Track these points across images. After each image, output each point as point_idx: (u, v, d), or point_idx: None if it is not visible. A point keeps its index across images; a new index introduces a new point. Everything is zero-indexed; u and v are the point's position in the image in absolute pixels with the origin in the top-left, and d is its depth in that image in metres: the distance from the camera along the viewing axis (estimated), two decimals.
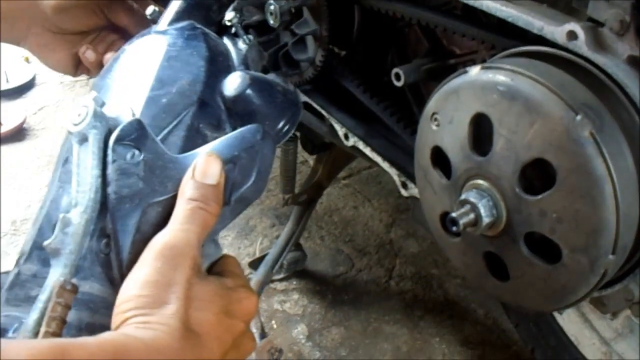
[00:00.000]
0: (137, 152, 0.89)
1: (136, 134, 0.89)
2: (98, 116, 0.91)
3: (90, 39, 1.53)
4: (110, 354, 0.66)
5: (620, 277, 1.11)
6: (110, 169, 0.89)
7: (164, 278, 0.76)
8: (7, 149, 3.22)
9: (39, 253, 0.93)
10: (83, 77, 3.69)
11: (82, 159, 0.91)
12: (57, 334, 0.78)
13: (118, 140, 0.89)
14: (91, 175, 0.89)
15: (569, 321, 1.59)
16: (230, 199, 0.95)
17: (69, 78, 3.79)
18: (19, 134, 3.31)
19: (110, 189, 0.89)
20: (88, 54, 1.50)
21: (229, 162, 0.94)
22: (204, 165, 0.88)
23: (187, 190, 0.86)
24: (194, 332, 0.75)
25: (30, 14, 1.42)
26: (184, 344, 0.72)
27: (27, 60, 3.84)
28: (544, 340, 1.65)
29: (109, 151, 0.89)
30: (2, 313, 0.89)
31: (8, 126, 3.26)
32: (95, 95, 0.93)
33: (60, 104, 3.57)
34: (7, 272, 0.95)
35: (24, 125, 3.35)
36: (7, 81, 3.64)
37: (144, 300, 0.74)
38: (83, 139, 0.91)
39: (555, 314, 1.59)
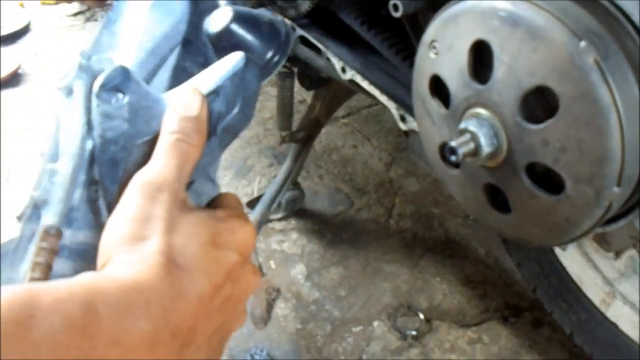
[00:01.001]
0: (120, 95, 0.88)
1: (120, 79, 0.89)
2: (83, 68, 0.91)
3: None
4: (81, 295, 0.62)
5: (624, 213, 1.10)
6: (95, 115, 0.88)
7: (144, 213, 0.74)
8: (3, 94, 3.21)
9: (36, 212, 0.93)
10: (78, 21, 3.70)
11: (69, 110, 0.90)
12: (44, 280, 0.76)
13: (102, 87, 0.88)
14: (77, 124, 0.88)
15: (571, 261, 1.58)
16: (217, 128, 0.93)
17: (64, 22, 3.77)
18: (14, 79, 3.29)
19: (95, 134, 0.88)
20: None
21: (212, 92, 0.92)
22: (184, 99, 0.85)
23: (167, 125, 0.83)
24: (178, 267, 0.71)
25: None
26: (167, 279, 0.68)
27: (21, 5, 3.82)
28: (546, 280, 1.65)
29: (93, 97, 0.88)
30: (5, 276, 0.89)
31: (3, 72, 3.25)
32: (82, 50, 0.93)
33: (55, 49, 3.55)
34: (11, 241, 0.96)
35: (19, 71, 3.34)
36: (1, 27, 3.62)
37: (124, 238, 0.72)
38: (69, 92, 0.90)
39: (558, 253, 1.58)
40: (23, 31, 3.68)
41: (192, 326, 0.70)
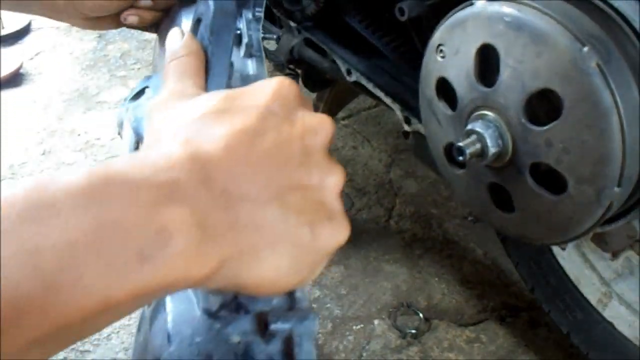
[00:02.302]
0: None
1: (142, 83, 1.01)
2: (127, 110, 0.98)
3: None
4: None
5: (623, 214, 1.13)
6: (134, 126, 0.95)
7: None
8: (4, 94, 3.22)
9: None
10: None
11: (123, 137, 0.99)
12: None
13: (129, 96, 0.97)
14: (127, 143, 0.96)
15: (569, 261, 1.60)
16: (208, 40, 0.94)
17: (64, 23, 3.78)
18: (15, 79, 3.30)
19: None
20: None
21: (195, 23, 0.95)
22: (168, 39, 0.86)
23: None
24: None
25: None
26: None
27: None
28: (544, 279, 1.67)
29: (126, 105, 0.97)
30: None
31: (5, 71, 3.26)
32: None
33: (56, 49, 3.57)
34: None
35: (21, 71, 3.35)
36: (3, 27, 3.63)
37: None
38: (121, 125, 1.01)
39: (556, 253, 1.60)
40: (24, 31, 3.69)
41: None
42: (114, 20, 1.31)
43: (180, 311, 0.71)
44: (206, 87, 0.81)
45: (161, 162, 0.60)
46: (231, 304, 0.70)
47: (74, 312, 0.53)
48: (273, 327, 0.70)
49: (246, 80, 0.91)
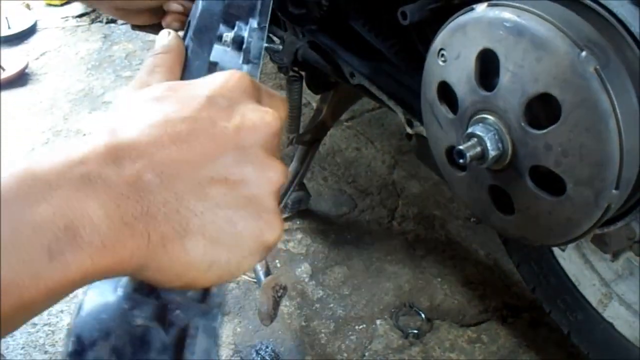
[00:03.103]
0: None
1: None
2: None
3: None
4: None
5: (622, 215, 1.14)
6: None
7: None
8: (9, 93, 3.23)
9: None
10: (84, 22, 3.73)
11: None
12: None
13: None
14: None
15: (570, 262, 1.61)
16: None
17: (70, 24, 3.80)
18: (21, 79, 3.32)
19: None
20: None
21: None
22: (157, 39, 0.87)
23: None
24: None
25: None
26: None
27: (27, 6, 3.85)
28: (545, 280, 1.68)
29: None
30: None
31: (10, 71, 3.28)
32: None
33: (62, 49, 3.58)
34: None
35: (26, 71, 3.36)
36: (9, 27, 3.65)
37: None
38: None
39: (557, 254, 1.61)
40: (29, 32, 3.71)
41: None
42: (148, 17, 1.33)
43: (101, 287, 0.70)
44: None
45: (77, 155, 0.60)
46: (145, 287, 0.70)
47: None
48: (171, 315, 0.70)
49: None
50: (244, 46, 0.99)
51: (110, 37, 3.64)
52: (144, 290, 0.71)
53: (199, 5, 0.97)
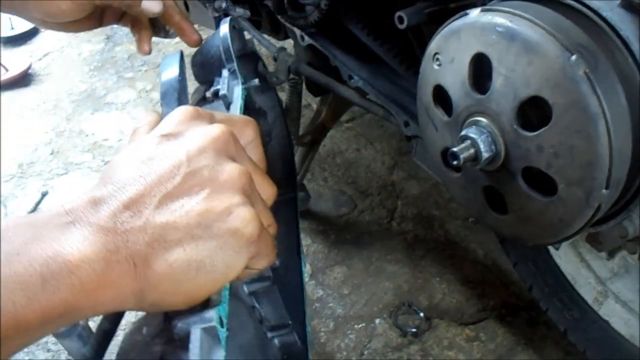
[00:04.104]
0: None
1: None
2: None
3: None
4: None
5: (614, 215, 1.16)
6: None
7: None
8: (13, 94, 3.26)
9: None
10: None
11: None
12: None
13: None
14: None
15: (566, 260, 1.62)
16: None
17: None
18: (24, 79, 3.34)
19: None
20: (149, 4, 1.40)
21: None
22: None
23: None
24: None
25: None
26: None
27: None
28: (542, 278, 1.69)
29: None
30: None
31: (14, 72, 3.30)
32: None
33: (65, 50, 3.60)
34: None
35: (30, 71, 3.38)
36: (12, 28, 3.67)
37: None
38: None
39: (553, 253, 1.62)
40: (33, 32, 3.72)
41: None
42: (86, 23, 1.38)
43: None
44: None
45: (65, 207, 0.70)
46: None
47: None
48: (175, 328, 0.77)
49: None
50: (221, 93, 1.11)
51: (113, 38, 3.65)
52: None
53: (160, 78, 1.07)
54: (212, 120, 0.85)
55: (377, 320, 2.00)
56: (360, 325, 1.99)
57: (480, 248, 2.22)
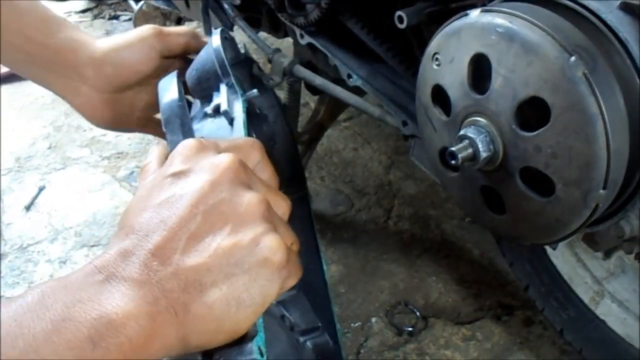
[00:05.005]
0: None
1: None
2: None
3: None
4: None
5: (611, 215, 1.16)
6: None
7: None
8: (13, 87, 3.26)
9: None
10: (86, 18, 3.74)
11: None
12: None
13: None
14: None
15: (562, 260, 1.63)
16: None
17: (72, 19, 3.82)
18: None
19: None
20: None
21: None
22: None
23: None
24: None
25: (73, 65, 1.29)
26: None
27: None
28: (538, 278, 1.69)
29: None
30: None
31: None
32: None
33: None
34: None
35: None
36: None
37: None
38: None
39: (550, 253, 1.63)
40: None
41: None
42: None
43: None
44: None
45: (96, 264, 0.71)
46: None
47: None
48: None
49: None
50: (223, 109, 1.11)
51: (113, 33, 3.66)
52: None
53: (160, 104, 1.08)
54: (217, 149, 0.86)
55: (373, 319, 2.00)
56: (357, 324, 1.99)
57: (476, 248, 2.22)
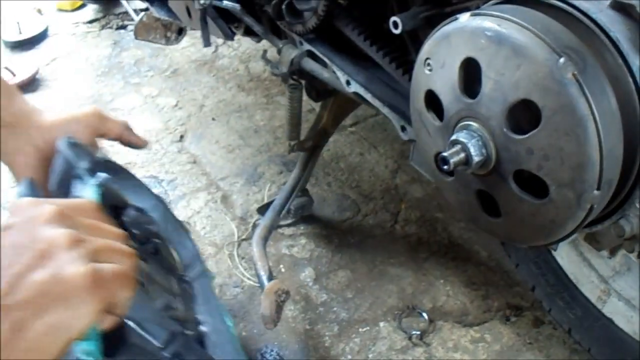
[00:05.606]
0: None
1: None
2: None
3: None
4: None
5: (610, 214, 1.16)
6: None
7: None
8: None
9: None
10: (94, 28, 3.75)
11: None
12: None
13: None
14: None
15: (568, 260, 1.63)
16: None
17: (80, 30, 3.83)
18: (32, 84, 3.35)
19: None
20: None
21: None
22: None
23: None
24: None
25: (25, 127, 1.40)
26: None
27: (39, 11, 3.90)
28: (544, 279, 1.70)
29: None
30: None
31: (21, 77, 3.31)
32: None
33: (72, 55, 3.61)
34: None
35: (37, 76, 3.39)
36: (20, 32, 3.68)
37: None
38: None
39: (555, 253, 1.63)
40: (41, 37, 3.74)
41: None
42: None
43: None
44: None
45: None
46: None
47: None
48: None
49: None
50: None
51: (120, 43, 3.67)
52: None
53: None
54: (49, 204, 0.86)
55: (381, 324, 2.00)
56: (365, 329, 1.99)
57: (483, 250, 2.21)
